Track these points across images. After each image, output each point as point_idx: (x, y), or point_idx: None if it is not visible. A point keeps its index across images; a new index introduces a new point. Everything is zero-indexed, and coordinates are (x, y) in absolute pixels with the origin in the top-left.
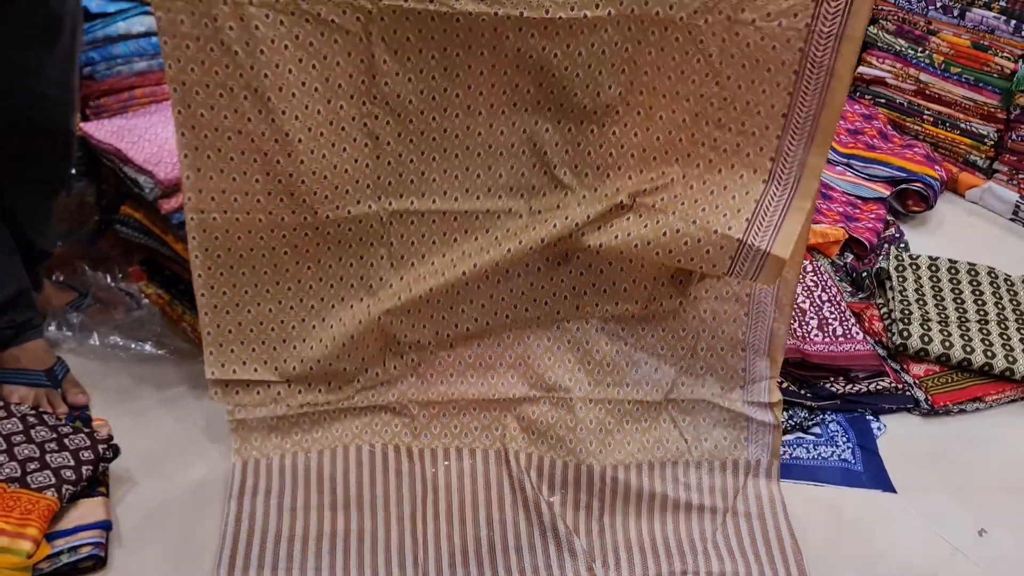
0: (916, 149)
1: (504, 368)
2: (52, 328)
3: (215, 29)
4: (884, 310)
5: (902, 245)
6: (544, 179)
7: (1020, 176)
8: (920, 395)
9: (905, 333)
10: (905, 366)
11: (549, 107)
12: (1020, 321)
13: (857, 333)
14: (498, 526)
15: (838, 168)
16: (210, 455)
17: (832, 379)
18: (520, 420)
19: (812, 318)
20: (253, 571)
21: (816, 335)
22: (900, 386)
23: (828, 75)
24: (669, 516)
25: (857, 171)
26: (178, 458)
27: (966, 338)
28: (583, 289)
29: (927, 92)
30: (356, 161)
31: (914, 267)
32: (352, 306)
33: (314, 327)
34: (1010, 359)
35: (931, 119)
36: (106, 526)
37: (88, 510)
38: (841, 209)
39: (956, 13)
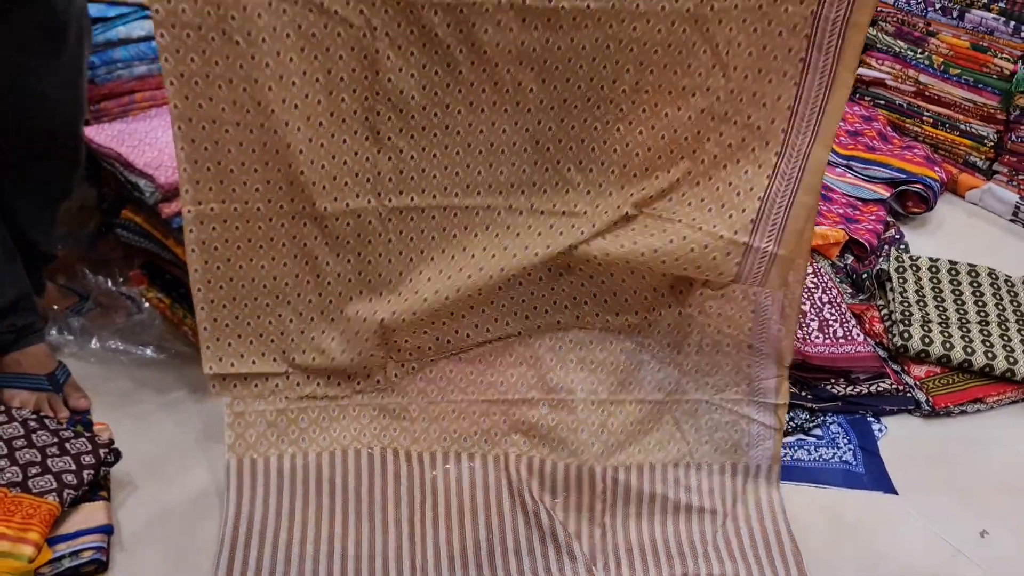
0: (916, 150)
1: (504, 369)
2: (53, 332)
3: (218, 18)
4: (885, 311)
5: (902, 246)
6: (546, 176)
7: (1020, 177)
8: (921, 396)
9: (906, 334)
10: (906, 367)
11: (552, 105)
12: (1021, 322)
13: (858, 335)
14: (497, 530)
15: (838, 170)
16: (211, 459)
17: (833, 381)
18: (521, 423)
19: (813, 320)
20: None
21: (817, 337)
22: (901, 388)
23: (835, 61)
24: (669, 518)
25: (857, 173)
26: (179, 462)
27: (967, 339)
28: (584, 300)
29: (926, 93)
30: (356, 154)
31: (914, 268)
32: (351, 298)
33: (312, 319)
34: (1011, 360)
35: (931, 120)
36: (107, 530)
37: (89, 514)
38: (841, 211)
39: (955, 14)
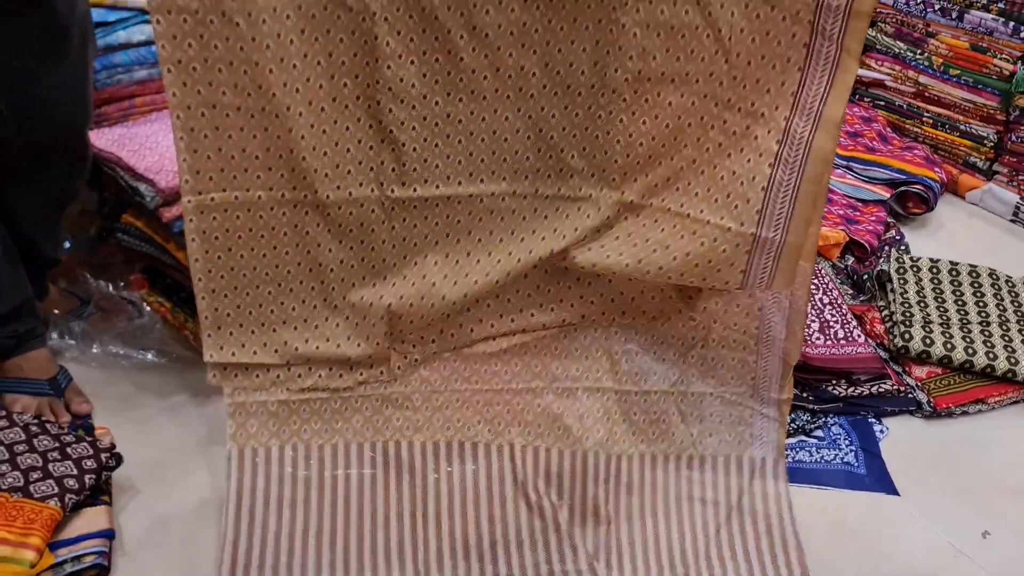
0: (916, 151)
1: (508, 359)
2: (55, 336)
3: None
4: (885, 312)
5: (903, 247)
6: (550, 162)
7: (1020, 177)
8: (922, 397)
9: (907, 335)
10: (907, 368)
11: (556, 91)
12: (1022, 323)
13: (859, 336)
14: (500, 523)
15: (838, 171)
16: (212, 463)
17: (834, 382)
18: (524, 412)
19: (813, 321)
20: (255, 571)
21: (818, 338)
22: (902, 388)
23: (839, 49)
24: (672, 509)
25: (857, 173)
26: (180, 466)
27: (968, 340)
28: (590, 299)
29: (926, 94)
30: (360, 142)
31: (915, 269)
32: (354, 285)
33: (315, 307)
34: (1012, 360)
35: (930, 121)
36: (109, 535)
37: (91, 519)
38: (841, 212)
39: (954, 15)
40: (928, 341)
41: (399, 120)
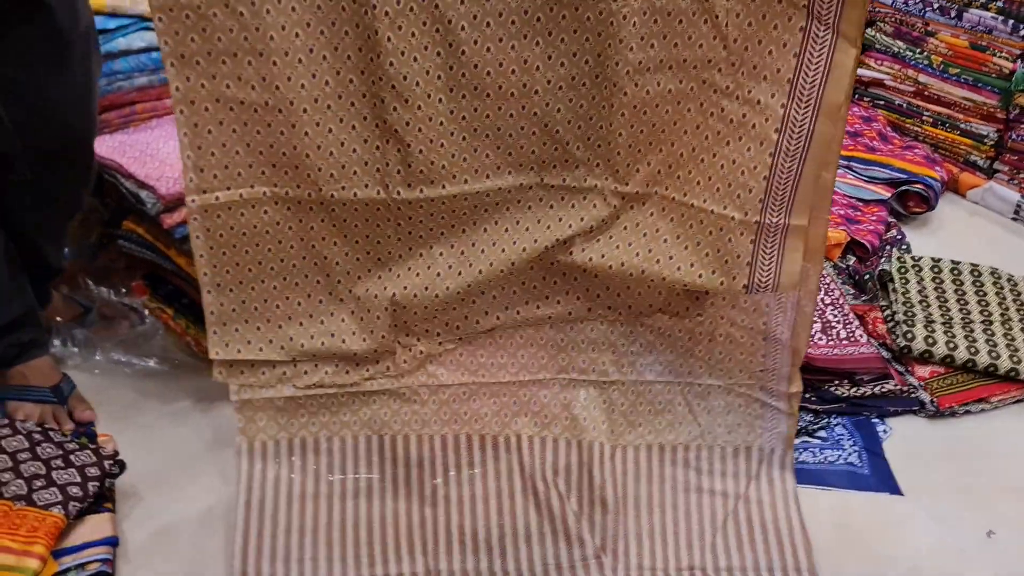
0: (916, 150)
1: (514, 351)
2: (57, 344)
3: None
4: (887, 312)
5: (904, 247)
6: (555, 154)
7: (1021, 176)
8: (925, 397)
9: (909, 335)
10: (910, 368)
11: (560, 84)
12: None
13: (861, 336)
14: (508, 515)
15: (838, 171)
16: (216, 469)
17: (837, 382)
18: (531, 403)
19: (815, 321)
20: (266, 562)
21: (820, 338)
22: (905, 388)
23: (835, 33)
24: (680, 500)
25: (857, 173)
26: (184, 472)
27: (970, 339)
28: (596, 292)
29: (926, 93)
30: (366, 142)
31: (917, 269)
32: (360, 277)
33: (321, 301)
34: (1015, 359)
35: (930, 120)
36: (113, 542)
37: (95, 526)
38: (842, 212)
39: (953, 14)
40: (930, 340)
41: (404, 120)
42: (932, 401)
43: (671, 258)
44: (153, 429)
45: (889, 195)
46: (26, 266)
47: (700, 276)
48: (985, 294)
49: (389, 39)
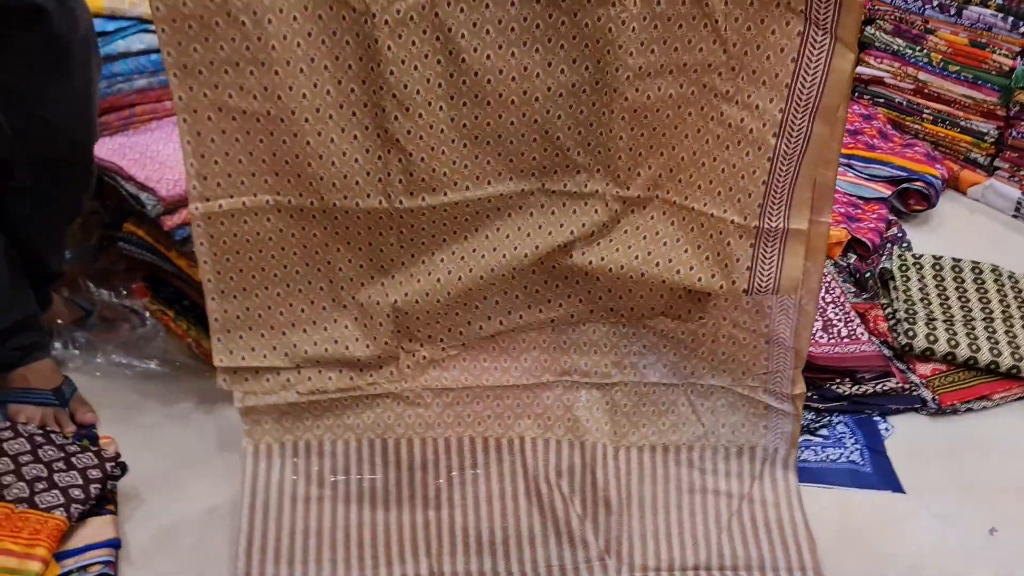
0: (916, 148)
1: (517, 355)
2: (58, 347)
3: (222, 1)
4: (889, 310)
5: (905, 244)
6: (556, 160)
7: (1021, 173)
8: (927, 395)
9: (910, 333)
10: (911, 366)
11: (560, 92)
12: None
13: (862, 334)
14: (512, 517)
15: (839, 169)
16: (218, 470)
17: (838, 381)
18: (534, 405)
19: (816, 320)
20: (270, 564)
21: (821, 337)
22: (907, 386)
23: (832, 37)
24: (685, 500)
25: (858, 171)
26: (186, 474)
27: (972, 336)
28: (598, 294)
29: (926, 91)
30: (367, 152)
31: (918, 266)
32: (363, 284)
33: (324, 308)
34: (1016, 356)
35: (931, 117)
36: (115, 544)
37: (97, 528)
38: (843, 210)
39: (953, 11)
40: (932, 338)
41: (405, 129)
42: (934, 399)
43: (671, 261)
44: (154, 431)
45: (890, 193)
46: (26, 270)
47: (700, 280)
48: (986, 291)
49: (389, 48)
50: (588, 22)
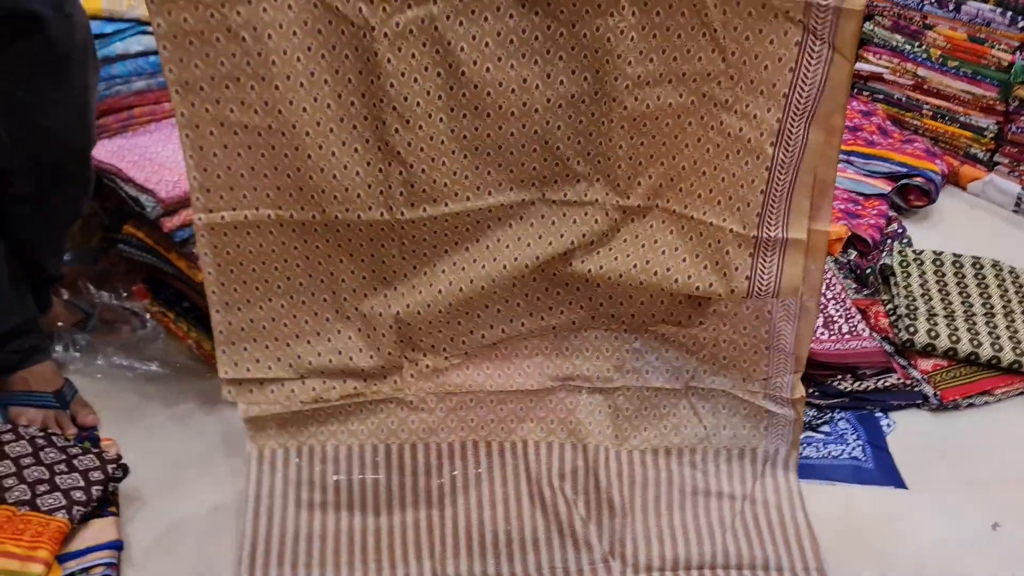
0: (916, 144)
1: (520, 362)
2: (59, 349)
3: (222, 17)
4: (889, 306)
5: (905, 240)
6: (556, 169)
7: (1021, 168)
8: (929, 390)
9: (912, 328)
10: (912, 362)
11: (560, 103)
12: None
13: (863, 330)
14: (515, 520)
15: (838, 165)
16: (219, 471)
17: (840, 377)
18: (536, 408)
19: (818, 316)
20: (274, 567)
21: (822, 333)
22: (908, 382)
23: (830, 48)
24: (688, 502)
25: (857, 167)
26: (187, 475)
27: (973, 332)
28: (599, 300)
29: (925, 86)
30: (368, 164)
31: (918, 262)
32: (366, 295)
33: (328, 319)
34: (1018, 351)
35: (930, 113)
36: (118, 546)
37: (99, 530)
38: (843, 206)
39: (952, 7)
40: (933, 334)
41: (405, 141)
42: (935, 394)
43: (669, 270)
44: (156, 432)
45: (889, 189)
46: (25, 273)
47: (698, 288)
48: (987, 287)
49: (389, 60)
50: (587, 33)
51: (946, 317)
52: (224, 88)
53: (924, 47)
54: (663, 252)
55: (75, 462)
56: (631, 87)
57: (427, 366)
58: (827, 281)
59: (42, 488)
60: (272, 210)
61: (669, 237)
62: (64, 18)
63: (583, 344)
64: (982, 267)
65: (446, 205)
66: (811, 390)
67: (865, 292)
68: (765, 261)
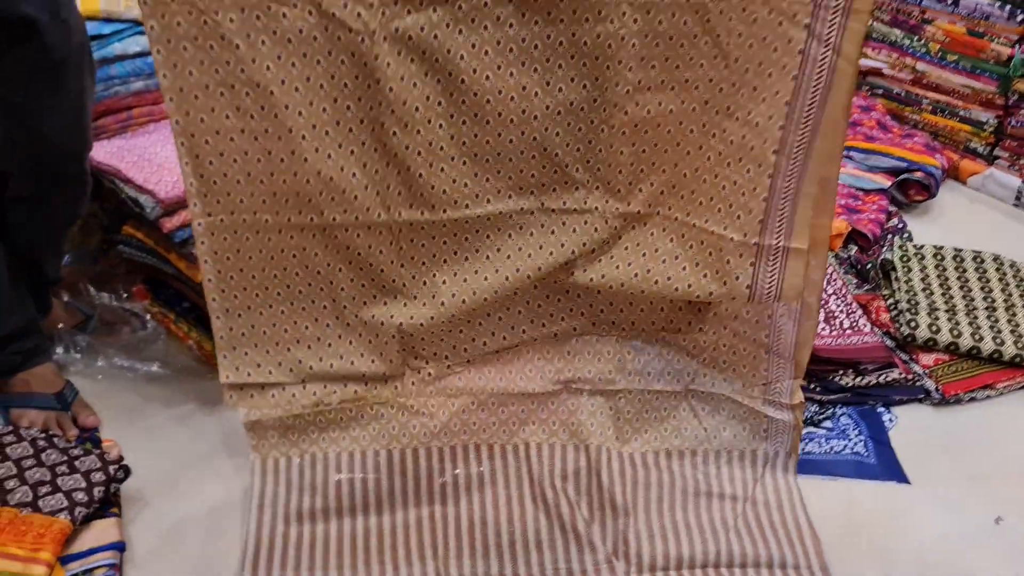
0: (916, 138)
1: (522, 366)
2: (60, 351)
3: (215, 24)
4: (891, 301)
5: (906, 235)
6: (555, 177)
7: (1021, 162)
8: (930, 385)
9: (913, 323)
10: (914, 356)
11: (559, 110)
12: None
13: (865, 325)
14: (518, 522)
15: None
16: (221, 472)
17: (841, 372)
18: (538, 410)
19: (819, 317)
20: (276, 570)
21: (823, 329)
22: (910, 377)
23: (835, 53)
24: (690, 502)
25: (857, 163)
26: (189, 476)
27: (974, 326)
28: (600, 307)
29: (924, 81)
30: (365, 166)
31: (919, 257)
32: (366, 303)
33: (328, 325)
34: (1019, 345)
35: (929, 108)
36: (120, 547)
37: (101, 532)
38: (843, 201)
39: (950, 1)
40: (934, 328)
41: (404, 144)
42: (937, 389)
43: (669, 279)
44: (157, 433)
45: (889, 184)
46: (25, 275)
47: (698, 296)
48: (988, 281)
49: (388, 64)
50: (587, 40)
51: (947, 311)
52: (219, 95)
53: (923, 41)
54: (664, 260)
55: (77, 463)
56: (632, 92)
57: (429, 374)
58: (828, 277)
59: (44, 490)
60: (269, 216)
61: (670, 245)
62: (60, 23)
63: (584, 347)
64: (983, 261)
65: (444, 212)
66: (813, 385)
67: (866, 287)
68: (766, 269)
